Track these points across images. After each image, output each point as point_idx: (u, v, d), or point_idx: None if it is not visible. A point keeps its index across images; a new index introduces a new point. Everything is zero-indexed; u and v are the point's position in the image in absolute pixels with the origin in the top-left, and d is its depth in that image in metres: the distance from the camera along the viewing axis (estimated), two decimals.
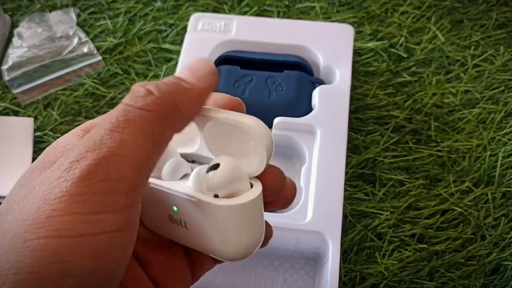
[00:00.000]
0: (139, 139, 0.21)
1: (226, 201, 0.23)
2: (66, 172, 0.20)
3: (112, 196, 0.20)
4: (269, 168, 0.25)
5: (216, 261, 0.28)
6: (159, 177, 0.25)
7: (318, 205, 0.41)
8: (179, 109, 0.23)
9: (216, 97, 0.27)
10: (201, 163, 0.26)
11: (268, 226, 0.26)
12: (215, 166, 0.24)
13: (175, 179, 0.25)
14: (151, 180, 0.24)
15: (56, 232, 0.19)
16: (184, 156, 0.27)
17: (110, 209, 0.20)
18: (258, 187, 0.24)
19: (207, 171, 0.24)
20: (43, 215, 0.19)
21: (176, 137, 0.24)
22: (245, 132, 0.24)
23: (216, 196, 0.23)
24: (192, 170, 0.25)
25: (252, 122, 0.24)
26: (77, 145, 0.21)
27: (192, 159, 0.27)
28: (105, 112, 0.50)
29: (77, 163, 0.20)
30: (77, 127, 0.25)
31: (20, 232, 0.19)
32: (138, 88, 0.22)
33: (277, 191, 0.26)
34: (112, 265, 0.20)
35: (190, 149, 0.27)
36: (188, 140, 0.27)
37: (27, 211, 0.20)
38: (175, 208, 0.24)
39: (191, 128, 0.25)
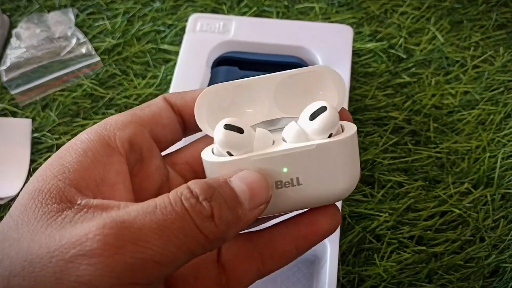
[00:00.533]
0: (181, 255, 0.21)
1: (343, 135, 0.25)
2: (91, 253, 0.20)
3: None
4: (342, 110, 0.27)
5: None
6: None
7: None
8: (225, 239, 0.23)
9: None
10: (273, 128, 0.27)
11: None
12: (321, 110, 0.25)
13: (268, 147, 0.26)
14: (246, 156, 0.24)
15: None
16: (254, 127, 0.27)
17: None
18: (351, 124, 0.26)
19: (311, 118, 0.25)
20: None
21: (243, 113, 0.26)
22: (319, 76, 0.27)
23: (329, 136, 0.25)
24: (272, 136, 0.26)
25: (319, 66, 0.27)
26: (117, 208, 0.21)
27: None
28: (103, 113, 0.50)
29: (111, 249, 0.20)
30: (76, 140, 0.24)
31: None
32: (204, 200, 0.22)
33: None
34: None
35: (260, 119, 0.28)
36: (249, 111, 0.28)
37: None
38: (285, 169, 0.25)
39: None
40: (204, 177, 0.26)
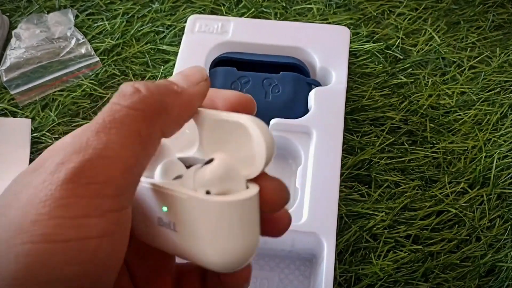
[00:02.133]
0: (126, 139, 0.20)
1: (217, 197, 0.22)
2: (51, 175, 0.19)
3: (98, 200, 0.19)
4: (270, 178, 0.24)
5: (205, 283, 0.27)
6: (151, 178, 0.25)
7: (313, 206, 0.41)
8: (167, 112, 0.22)
9: (226, 94, 0.25)
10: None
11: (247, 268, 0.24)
12: (209, 161, 0.23)
13: (168, 180, 0.25)
14: (142, 179, 0.23)
15: (41, 237, 0.18)
16: (182, 160, 0.26)
17: (97, 213, 0.19)
18: (254, 189, 0.23)
19: (201, 167, 0.23)
20: (27, 220, 0.19)
21: (174, 141, 0.24)
22: (244, 132, 0.23)
23: (208, 192, 0.22)
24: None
25: (251, 120, 0.23)
26: (63, 147, 0.20)
27: (190, 164, 0.26)
28: None
29: (62, 166, 0.19)
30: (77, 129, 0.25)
31: (5, 238, 0.19)
32: (126, 86, 0.22)
33: (276, 204, 0.24)
34: (100, 271, 0.20)
35: (188, 153, 0.26)
36: (187, 144, 0.26)
37: (13, 216, 0.19)
38: (164, 209, 0.23)
39: (191, 132, 0.25)
40: None
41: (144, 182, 0.24)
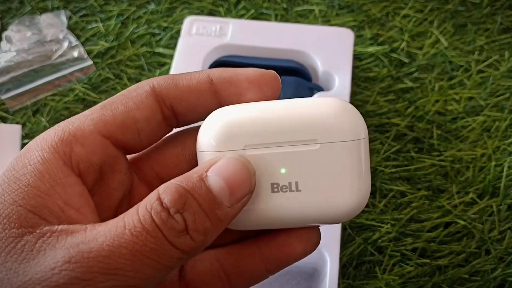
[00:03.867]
0: (158, 274, 0.20)
1: (340, 142, 0.22)
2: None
3: None
4: None
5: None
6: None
7: None
8: (206, 245, 0.21)
9: (249, 74, 0.24)
10: None
11: None
12: None
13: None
14: (241, 153, 0.22)
15: None
16: None
17: None
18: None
19: None
20: None
21: None
22: None
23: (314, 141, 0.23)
24: None
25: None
26: (87, 241, 0.19)
27: None
28: None
29: (82, 282, 0.18)
30: (30, 155, 0.22)
31: None
32: (175, 213, 0.20)
33: None
34: None
35: None
36: None
37: None
38: (283, 170, 0.23)
39: None
40: None
41: (250, 150, 0.23)
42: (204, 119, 0.24)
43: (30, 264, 0.19)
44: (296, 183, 0.23)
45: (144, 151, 0.26)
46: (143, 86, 0.24)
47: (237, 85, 0.24)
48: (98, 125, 0.23)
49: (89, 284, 0.18)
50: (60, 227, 0.20)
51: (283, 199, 0.23)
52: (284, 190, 0.23)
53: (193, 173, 0.21)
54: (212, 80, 0.24)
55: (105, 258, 0.19)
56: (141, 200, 0.21)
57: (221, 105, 0.24)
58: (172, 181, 0.21)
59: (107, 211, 0.24)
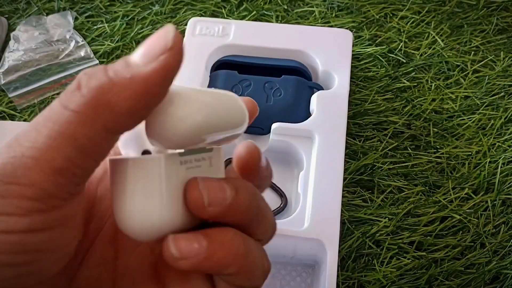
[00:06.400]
0: (56, 141, 0.19)
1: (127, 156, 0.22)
2: None
3: (18, 200, 0.19)
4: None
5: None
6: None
7: (315, 211, 0.40)
8: (111, 107, 0.19)
9: None
10: None
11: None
12: None
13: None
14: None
15: None
16: None
17: (19, 212, 0.19)
18: (162, 155, 0.21)
19: None
20: None
21: None
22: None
23: (144, 152, 0.22)
24: None
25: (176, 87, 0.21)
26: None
27: None
28: None
29: None
30: None
31: None
32: (76, 79, 0.19)
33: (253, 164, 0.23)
34: (29, 262, 0.20)
35: None
36: None
37: None
38: None
39: None
40: None
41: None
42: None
43: None
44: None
45: None
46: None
47: None
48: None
49: None
50: None
51: None
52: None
53: None
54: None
55: (13, 137, 0.19)
56: None
57: None
58: None
59: None
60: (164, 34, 0.19)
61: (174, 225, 0.21)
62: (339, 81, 0.47)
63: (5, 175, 0.19)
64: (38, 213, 0.19)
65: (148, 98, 0.19)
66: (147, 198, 0.21)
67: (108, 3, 0.57)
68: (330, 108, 0.45)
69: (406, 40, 0.54)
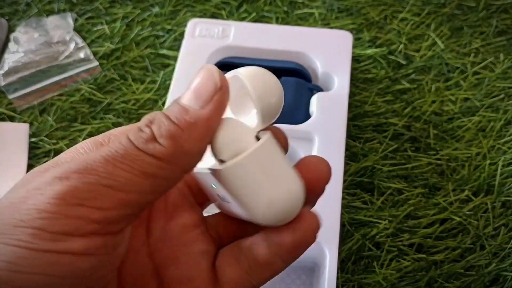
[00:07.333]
0: (135, 178, 0.20)
1: (224, 164, 0.22)
2: (46, 185, 0.20)
3: (83, 221, 0.20)
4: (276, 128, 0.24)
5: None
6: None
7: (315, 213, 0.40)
8: (186, 151, 0.21)
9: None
10: None
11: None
12: None
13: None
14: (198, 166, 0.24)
15: (16, 242, 0.19)
16: None
17: (78, 233, 0.20)
18: (264, 137, 0.22)
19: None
20: (11, 223, 0.19)
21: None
22: (241, 83, 0.23)
23: (222, 161, 0.22)
24: None
25: (245, 69, 0.23)
26: (70, 159, 0.21)
27: None
28: (101, 118, 0.50)
29: (59, 181, 0.20)
30: (101, 135, 0.24)
31: None
32: (144, 127, 0.21)
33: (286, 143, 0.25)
34: (74, 286, 0.20)
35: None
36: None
37: (2, 213, 0.20)
38: (213, 186, 0.24)
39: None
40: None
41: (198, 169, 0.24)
42: None
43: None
44: (223, 196, 0.24)
45: None
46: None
47: None
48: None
49: (64, 181, 0.20)
50: None
51: (228, 207, 0.25)
52: (222, 199, 0.24)
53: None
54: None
55: (82, 162, 0.21)
56: None
57: None
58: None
59: None
60: (210, 76, 0.22)
61: (304, 195, 0.23)
62: (339, 82, 0.47)
63: (75, 197, 0.20)
64: (97, 236, 0.20)
65: (211, 134, 0.22)
66: (283, 178, 0.22)
67: (108, 5, 0.57)
68: (330, 109, 0.45)
69: (406, 42, 0.54)
